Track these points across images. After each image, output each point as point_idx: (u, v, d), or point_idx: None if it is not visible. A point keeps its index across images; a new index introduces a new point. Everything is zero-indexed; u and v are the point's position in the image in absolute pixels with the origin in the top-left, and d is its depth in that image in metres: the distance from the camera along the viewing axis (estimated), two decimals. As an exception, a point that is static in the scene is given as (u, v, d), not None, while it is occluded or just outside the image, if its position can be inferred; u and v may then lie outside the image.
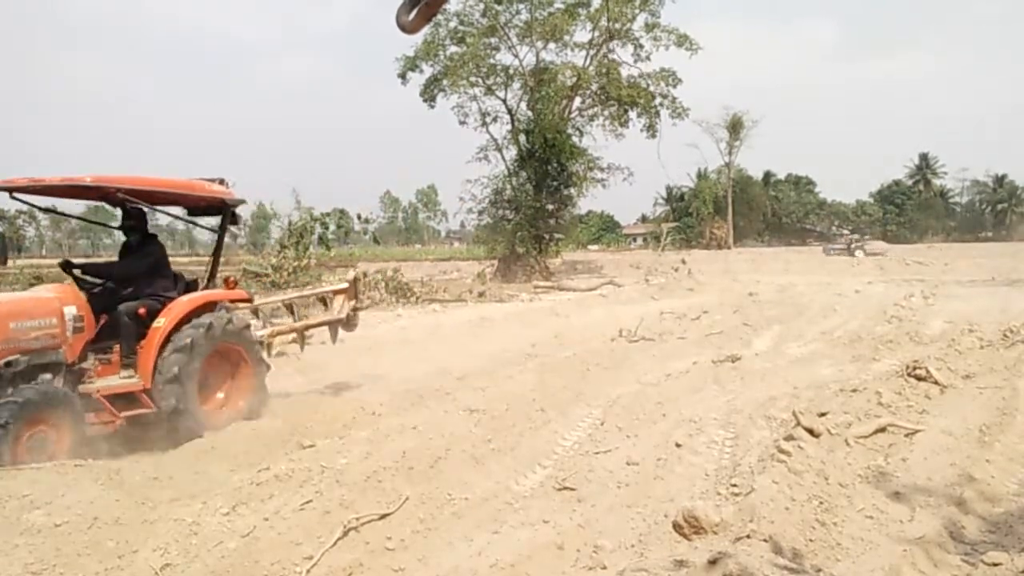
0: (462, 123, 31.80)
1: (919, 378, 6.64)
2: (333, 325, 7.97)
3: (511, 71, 30.55)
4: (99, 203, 6.87)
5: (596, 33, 29.90)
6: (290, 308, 8.32)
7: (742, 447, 5.20)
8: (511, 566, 3.47)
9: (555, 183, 29.39)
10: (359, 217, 30.21)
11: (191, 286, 6.38)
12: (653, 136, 30.15)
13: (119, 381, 5.55)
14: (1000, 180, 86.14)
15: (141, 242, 6.17)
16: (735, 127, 68.67)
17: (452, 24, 29.13)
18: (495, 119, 31.45)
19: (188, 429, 5.56)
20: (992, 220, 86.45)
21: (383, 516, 3.88)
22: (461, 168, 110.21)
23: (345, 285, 8.11)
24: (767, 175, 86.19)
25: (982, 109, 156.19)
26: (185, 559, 3.49)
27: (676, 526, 3.69)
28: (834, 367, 8.25)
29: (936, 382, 6.56)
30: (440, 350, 10.49)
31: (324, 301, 8.30)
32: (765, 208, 79.15)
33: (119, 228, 6.24)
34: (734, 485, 4.38)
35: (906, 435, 5.18)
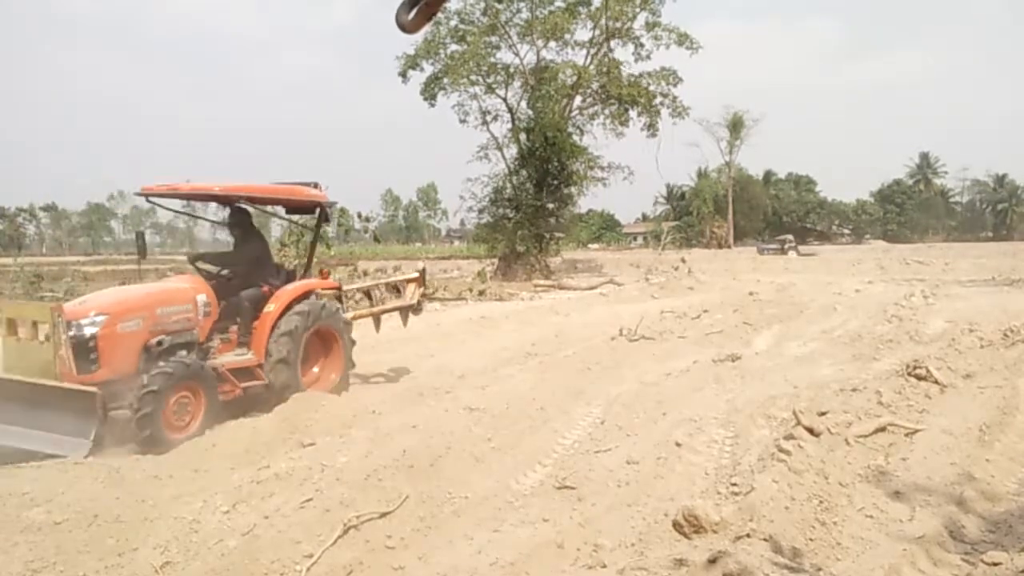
0: (462, 122, 31.84)
1: (919, 377, 6.65)
2: (404, 310, 9.05)
3: (512, 70, 30.57)
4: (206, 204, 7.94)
5: (597, 32, 29.94)
6: (368, 294, 9.65)
7: (742, 446, 5.21)
8: (511, 564, 3.47)
9: (555, 182, 29.32)
10: (360, 215, 30.25)
11: (290, 275, 7.31)
12: (654, 135, 30.18)
13: (238, 357, 6.48)
14: (1000, 180, 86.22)
15: (244, 237, 7.00)
16: (736, 126, 68.82)
17: (453, 23, 29.16)
18: (495, 118, 31.51)
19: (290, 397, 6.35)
20: (992, 220, 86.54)
21: (383, 514, 3.88)
22: (461, 166, 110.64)
23: (416, 275, 9.25)
24: (767, 174, 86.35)
25: (983, 109, 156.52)
26: (185, 557, 3.49)
27: (676, 525, 3.70)
28: (834, 366, 8.24)
29: (936, 381, 6.57)
30: (440, 348, 10.49)
31: (397, 288, 9.63)
32: (765, 207, 79.19)
33: (225, 224, 7.14)
34: (734, 484, 4.38)
35: (906, 434, 5.19)
